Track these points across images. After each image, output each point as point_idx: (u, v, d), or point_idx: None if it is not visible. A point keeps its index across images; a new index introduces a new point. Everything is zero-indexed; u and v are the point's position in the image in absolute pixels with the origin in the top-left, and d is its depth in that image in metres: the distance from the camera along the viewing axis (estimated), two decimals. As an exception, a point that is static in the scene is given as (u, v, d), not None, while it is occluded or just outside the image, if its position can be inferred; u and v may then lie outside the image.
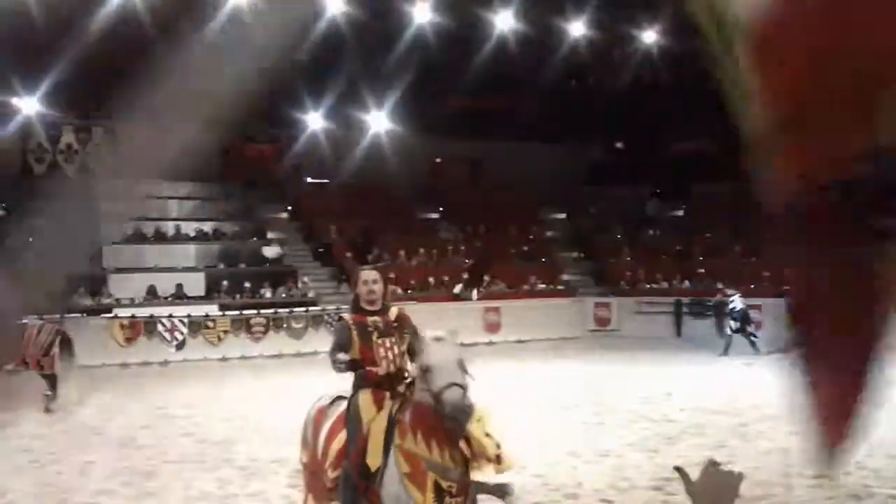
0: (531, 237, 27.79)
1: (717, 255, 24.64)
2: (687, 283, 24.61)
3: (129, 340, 17.16)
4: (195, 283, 21.01)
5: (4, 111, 24.25)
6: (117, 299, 19.59)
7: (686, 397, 12.95)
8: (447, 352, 4.58)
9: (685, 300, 20.97)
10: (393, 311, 5.24)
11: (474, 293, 22.39)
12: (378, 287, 5.20)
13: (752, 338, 17.31)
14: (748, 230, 22.69)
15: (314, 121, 28.10)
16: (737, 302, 17.52)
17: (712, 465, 5.77)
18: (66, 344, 12.69)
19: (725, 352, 17.35)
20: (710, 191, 27.22)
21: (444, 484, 4.47)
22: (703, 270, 24.20)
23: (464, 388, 4.46)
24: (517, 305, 21.87)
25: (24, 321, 12.35)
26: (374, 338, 5.03)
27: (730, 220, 25.20)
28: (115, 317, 17.62)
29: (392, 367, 5.04)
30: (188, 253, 22.68)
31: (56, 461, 9.17)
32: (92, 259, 21.20)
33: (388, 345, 5.03)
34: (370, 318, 5.12)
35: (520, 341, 20.97)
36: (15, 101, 24.13)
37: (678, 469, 5.93)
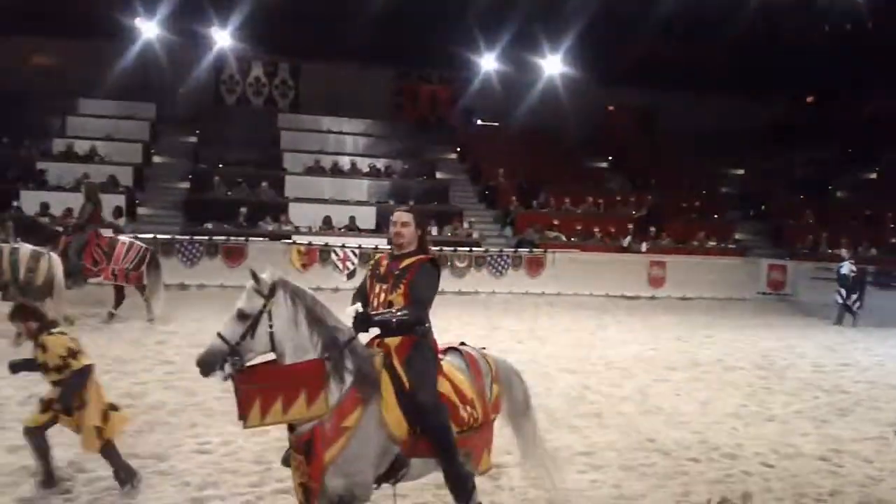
0: (704, 192, 26.71)
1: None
2: (874, 250, 22.94)
3: (304, 266, 18.18)
4: (367, 217, 21.90)
5: (202, 42, 25.97)
6: (296, 227, 20.78)
7: (862, 370, 12.20)
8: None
9: (870, 269, 19.48)
10: (411, 259, 4.81)
11: (643, 246, 21.90)
12: (406, 230, 4.84)
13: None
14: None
15: (488, 63, 28.12)
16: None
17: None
18: (154, 263, 13.43)
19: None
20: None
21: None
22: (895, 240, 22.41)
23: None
24: (684, 261, 21.19)
25: (117, 238, 13.53)
26: (374, 281, 4.85)
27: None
28: (294, 243, 18.66)
29: None
30: (361, 188, 23.60)
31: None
32: (274, 187, 22.61)
33: (377, 290, 4.79)
34: (386, 262, 4.89)
35: (684, 298, 20.37)
36: (212, 31, 25.74)
37: None
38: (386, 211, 22.19)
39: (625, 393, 9.81)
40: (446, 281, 18.63)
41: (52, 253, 11.38)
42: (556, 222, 22.70)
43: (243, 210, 20.69)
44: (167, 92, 25.47)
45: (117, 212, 19.72)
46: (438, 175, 25.92)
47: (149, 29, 25.02)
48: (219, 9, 24.06)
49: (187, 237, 18.18)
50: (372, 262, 5.04)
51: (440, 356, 4.92)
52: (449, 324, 14.31)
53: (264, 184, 22.50)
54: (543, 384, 9.61)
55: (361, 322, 4.43)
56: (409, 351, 4.67)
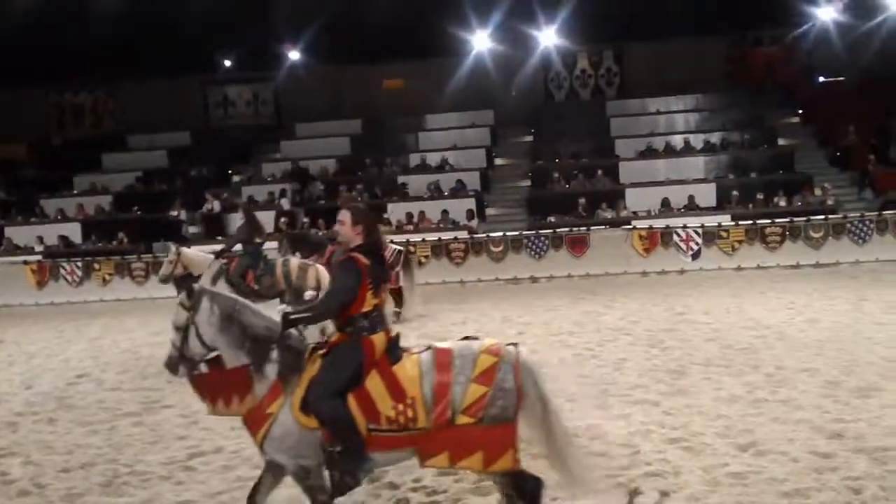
0: None
1: None
2: None
3: (647, 251, 18.17)
4: (706, 195, 21.23)
5: (528, 45, 27.13)
6: (634, 212, 20.85)
7: None
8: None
9: None
10: (343, 257, 5.04)
11: None
12: (342, 228, 5.04)
13: None
14: None
15: (825, 13, 25.56)
16: None
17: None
18: (407, 263, 13.82)
19: None
20: None
21: None
22: None
23: None
24: None
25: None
26: None
27: None
28: (634, 228, 18.74)
29: None
30: (698, 165, 22.93)
31: (594, 356, 10.34)
32: (609, 175, 22.89)
33: None
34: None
35: None
36: (536, 33, 26.77)
37: None
38: (726, 186, 21.38)
39: None
40: (801, 253, 17.54)
41: (318, 264, 12.09)
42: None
43: (582, 201, 21.27)
44: (501, 97, 27.03)
45: (469, 214, 21.51)
46: (781, 142, 24.21)
47: (480, 41, 26.77)
48: (543, 9, 24.95)
49: (533, 232, 19.16)
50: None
51: (409, 351, 4.98)
52: (811, 298, 13.46)
53: (599, 172, 22.90)
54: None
55: (285, 321, 4.90)
56: (333, 348, 4.93)
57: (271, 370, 4.90)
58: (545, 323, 12.86)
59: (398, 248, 14.08)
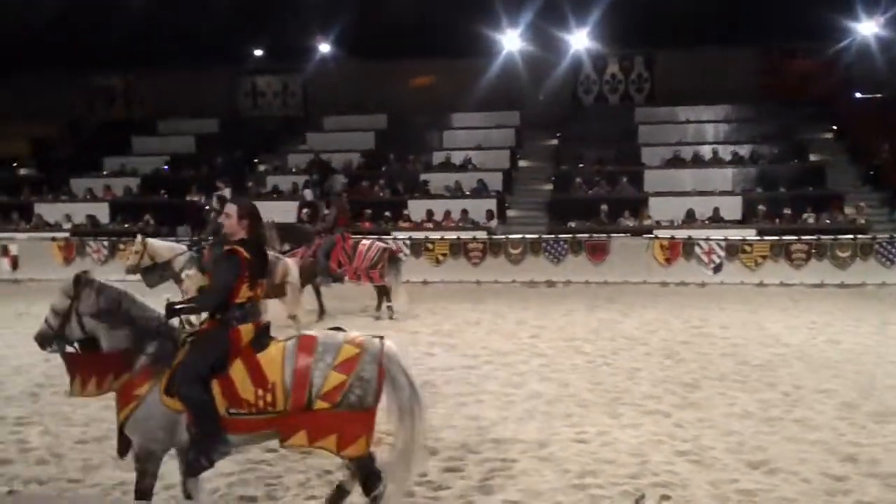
0: None
1: None
2: None
3: (668, 261, 17.93)
4: (732, 207, 20.92)
5: (559, 47, 26.94)
6: (657, 221, 20.60)
7: None
8: None
9: None
10: (225, 249, 5.32)
11: None
12: (228, 221, 5.31)
13: None
14: None
15: (867, 28, 25.11)
16: None
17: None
18: (393, 261, 13.92)
19: None
20: None
21: None
22: None
23: None
24: None
25: (359, 239, 14.20)
26: None
27: None
28: (656, 238, 18.51)
29: None
30: (725, 176, 22.60)
31: (608, 364, 10.20)
32: (633, 183, 22.65)
33: None
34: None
35: None
36: (567, 36, 26.56)
37: None
38: (753, 200, 21.06)
39: None
40: (826, 272, 17.23)
41: (287, 259, 12.47)
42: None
43: (604, 207, 21.06)
44: (528, 99, 26.85)
45: (488, 214, 21.37)
46: (812, 157, 23.81)
47: (510, 41, 26.60)
48: (575, 12, 24.75)
49: (552, 236, 18.99)
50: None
51: (277, 339, 5.24)
52: (833, 318, 13.19)
53: (624, 179, 22.65)
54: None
55: (167, 312, 5.15)
56: (201, 335, 5.18)
57: (147, 357, 5.11)
58: (560, 328, 12.72)
59: (384, 246, 14.34)
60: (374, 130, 27.35)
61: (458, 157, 25.00)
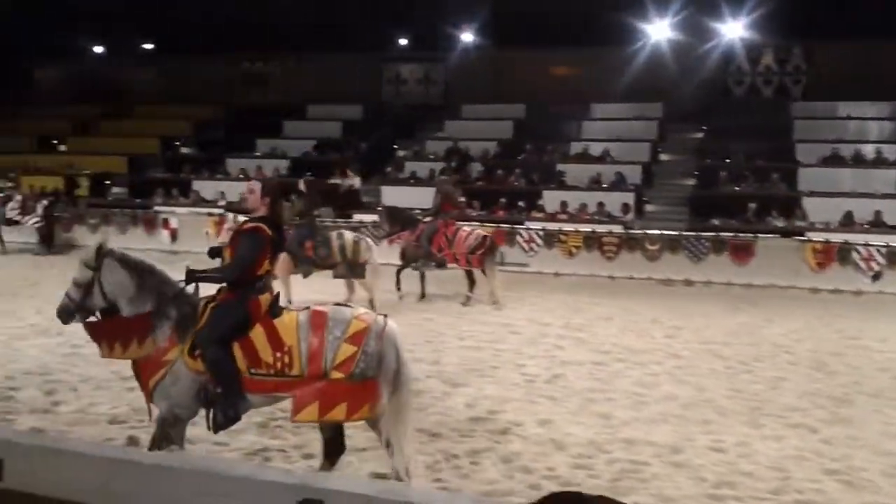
0: None
1: None
2: None
3: (820, 265, 16.78)
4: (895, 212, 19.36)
5: (709, 37, 25.80)
6: (811, 223, 19.37)
7: None
8: None
9: None
10: (246, 225, 5.68)
11: None
12: (251, 197, 5.74)
13: None
14: None
15: None
16: None
17: None
18: (492, 249, 13.92)
19: None
20: None
21: None
22: None
23: None
24: None
25: (461, 225, 14.33)
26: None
27: None
28: (808, 240, 17.37)
29: None
30: (888, 178, 20.91)
31: (748, 371, 9.67)
32: (786, 181, 21.39)
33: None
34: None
35: None
36: (719, 25, 25.41)
37: None
38: (921, 204, 19.39)
39: None
40: None
41: (368, 239, 13.08)
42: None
43: (752, 205, 19.99)
44: (674, 90, 25.87)
45: (624, 208, 20.79)
46: None
47: (658, 31, 25.70)
48: (729, 0, 23.65)
49: (693, 233, 18.23)
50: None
51: (288, 309, 5.72)
52: None
53: (775, 176, 21.42)
54: None
55: (188, 278, 5.45)
56: (222, 303, 5.47)
57: (169, 321, 5.45)
58: (697, 329, 12.20)
59: (484, 234, 14.39)
60: (512, 119, 27.17)
61: (596, 149, 24.45)
